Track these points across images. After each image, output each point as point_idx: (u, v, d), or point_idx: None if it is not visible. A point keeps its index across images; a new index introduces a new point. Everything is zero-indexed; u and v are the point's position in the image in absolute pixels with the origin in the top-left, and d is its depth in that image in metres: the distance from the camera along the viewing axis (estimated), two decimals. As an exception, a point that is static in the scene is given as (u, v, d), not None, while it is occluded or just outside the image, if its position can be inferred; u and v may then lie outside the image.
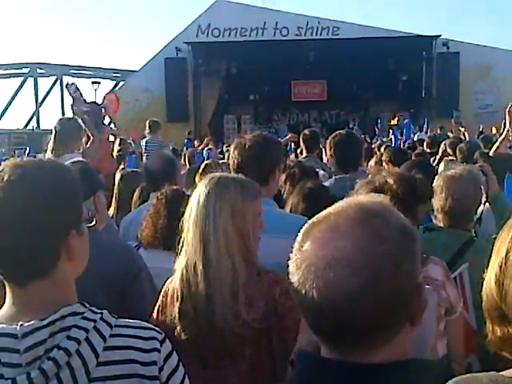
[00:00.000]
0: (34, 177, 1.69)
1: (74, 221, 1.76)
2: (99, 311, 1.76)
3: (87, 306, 1.75)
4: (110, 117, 9.02)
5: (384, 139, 15.62)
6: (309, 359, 1.40)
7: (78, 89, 6.38)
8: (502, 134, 6.43)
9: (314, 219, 1.37)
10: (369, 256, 1.25)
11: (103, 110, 7.75)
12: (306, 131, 7.99)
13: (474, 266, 3.14)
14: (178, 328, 2.49)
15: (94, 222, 1.87)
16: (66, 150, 5.49)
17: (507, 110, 6.23)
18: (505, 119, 6.29)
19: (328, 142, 5.00)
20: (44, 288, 1.70)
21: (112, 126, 10.17)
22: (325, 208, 1.40)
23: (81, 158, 4.86)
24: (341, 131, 5.13)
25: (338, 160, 4.75)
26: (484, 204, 4.00)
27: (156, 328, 1.88)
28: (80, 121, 6.20)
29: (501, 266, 1.41)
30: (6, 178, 1.66)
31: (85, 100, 6.40)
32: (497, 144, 6.09)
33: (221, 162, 8.00)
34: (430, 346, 2.61)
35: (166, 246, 3.44)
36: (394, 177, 2.76)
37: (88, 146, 5.51)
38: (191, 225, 2.49)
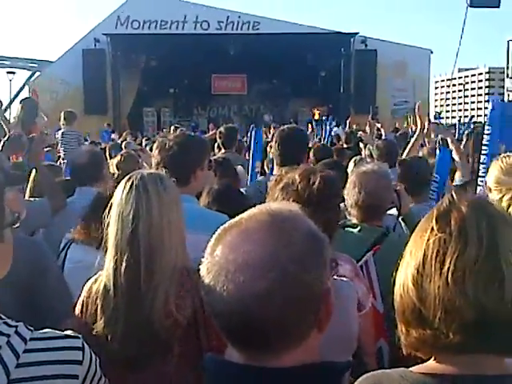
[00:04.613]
0: None
1: None
2: (14, 324, 1.67)
3: (3, 317, 1.67)
4: (42, 110, 8.88)
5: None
6: (216, 364, 1.41)
7: None
8: (413, 134, 6.55)
9: (226, 225, 1.39)
10: (276, 259, 1.28)
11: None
12: (222, 129, 8.00)
13: (383, 255, 3.25)
14: (106, 330, 2.44)
15: (18, 224, 1.77)
16: None
17: (416, 110, 6.39)
18: (415, 119, 6.44)
19: (274, 135, 5.02)
20: None
21: (45, 118, 9.98)
22: (237, 208, 1.43)
23: None
24: (288, 126, 5.13)
25: (281, 155, 4.76)
26: (397, 218, 4.12)
27: (74, 335, 1.79)
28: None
29: (418, 269, 1.46)
30: None
31: None
32: (409, 146, 6.19)
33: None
34: (355, 336, 2.66)
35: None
36: (301, 174, 2.75)
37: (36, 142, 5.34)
38: (119, 222, 2.46)
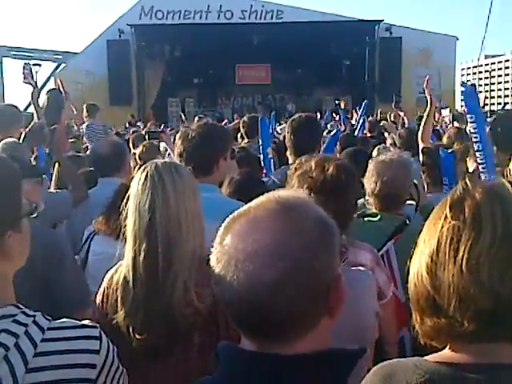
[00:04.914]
0: None
1: (9, 221, 1.68)
2: (32, 314, 1.69)
3: (21, 307, 1.69)
4: (71, 102, 8.93)
5: (329, 125, 15.65)
6: (229, 352, 1.42)
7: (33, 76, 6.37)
8: (424, 114, 6.33)
9: (235, 214, 1.40)
10: (286, 248, 1.28)
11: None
12: (245, 118, 8.01)
13: (403, 245, 3.23)
14: (126, 320, 2.45)
15: (36, 214, 1.79)
16: (5, 136, 5.40)
17: (424, 85, 6.26)
18: (425, 96, 6.30)
19: (287, 125, 4.99)
20: None
21: (74, 110, 10.04)
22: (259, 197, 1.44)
23: (12, 139, 4.79)
24: (300, 114, 5.11)
25: (293, 144, 4.73)
26: (415, 210, 4.09)
27: (91, 324, 1.81)
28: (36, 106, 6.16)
29: (432, 257, 1.45)
30: None
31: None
32: (422, 128, 6.02)
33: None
34: (370, 327, 2.64)
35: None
36: (316, 162, 2.74)
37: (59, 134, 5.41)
38: (136, 213, 2.47)
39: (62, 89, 7.97)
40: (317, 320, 1.35)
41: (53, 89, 10.56)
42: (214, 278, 1.35)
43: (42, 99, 7.42)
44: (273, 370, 1.32)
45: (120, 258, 2.59)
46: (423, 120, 6.13)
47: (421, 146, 5.63)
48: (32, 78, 6.37)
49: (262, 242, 1.28)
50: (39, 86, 9.14)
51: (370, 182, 3.72)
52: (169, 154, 6.36)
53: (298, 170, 2.73)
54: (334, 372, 1.33)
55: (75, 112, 9.90)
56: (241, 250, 1.30)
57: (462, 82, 6.17)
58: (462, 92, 5.10)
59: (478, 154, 4.86)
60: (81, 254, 3.86)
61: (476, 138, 4.88)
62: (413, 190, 3.98)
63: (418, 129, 6.23)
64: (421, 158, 5.30)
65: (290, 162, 4.74)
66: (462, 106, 5.99)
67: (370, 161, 3.89)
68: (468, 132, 5.36)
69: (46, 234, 3.11)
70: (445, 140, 7.33)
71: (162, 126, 14.62)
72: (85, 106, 11.23)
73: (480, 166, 4.85)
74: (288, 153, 4.85)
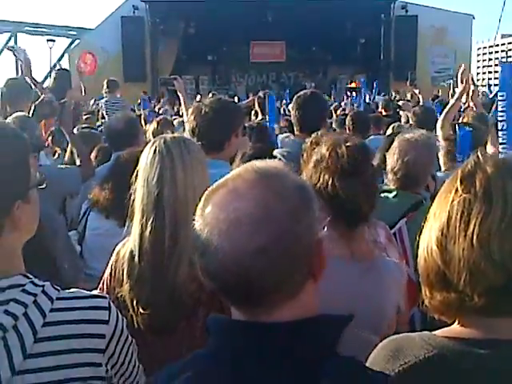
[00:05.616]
0: None
1: (18, 191, 1.69)
2: (41, 284, 1.71)
3: (30, 277, 1.70)
4: (82, 82, 8.95)
5: (342, 103, 15.62)
6: (217, 323, 1.42)
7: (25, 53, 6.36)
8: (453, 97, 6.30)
9: (214, 186, 1.39)
10: (269, 214, 1.28)
11: (78, 73, 7.69)
12: (261, 93, 8.01)
13: (417, 224, 3.22)
14: (131, 294, 2.46)
15: (44, 185, 1.79)
16: (15, 109, 5.40)
17: (460, 73, 6.18)
18: (457, 82, 6.22)
19: (292, 102, 4.97)
20: None
21: (83, 91, 10.08)
22: None
23: (22, 113, 4.80)
24: (306, 91, 5.07)
25: (299, 121, 4.72)
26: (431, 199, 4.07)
27: (100, 295, 1.83)
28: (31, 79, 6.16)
29: (442, 231, 1.45)
30: None
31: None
32: (449, 106, 5.95)
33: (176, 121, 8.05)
34: (386, 317, 2.62)
35: (115, 212, 3.48)
36: (328, 148, 2.69)
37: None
38: (145, 187, 2.46)
39: (81, 67, 7.99)
40: (301, 285, 1.35)
41: (61, 69, 10.57)
42: (198, 251, 1.35)
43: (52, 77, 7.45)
44: (260, 338, 1.32)
45: (127, 234, 2.59)
46: (451, 101, 6.04)
47: (440, 128, 5.54)
48: (23, 55, 6.39)
49: (244, 209, 1.28)
50: (53, 61, 9.18)
51: (392, 159, 3.69)
52: (181, 116, 6.33)
53: (310, 155, 2.69)
54: (321, 338, 1.33)
55: (83, 94, 9.91)
56: (222, 219, 1.29)
57: (501, 60, 6.12)
58: (501, 68, 5.07)
59: (500, 133, 4.83)
60: (79, 228, 3.90)
61: (502, 116, 4.84)
62: (430, 181, 3.95)
63: (436, 107, 6.13)
64: (440, 136, 5.25)
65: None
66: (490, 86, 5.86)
67: (396, 138, 3.84)
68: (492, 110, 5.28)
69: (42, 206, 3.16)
70: (469, 118, 7.22)
71: (179, 107, 14.58)
72: (105, 82, 11.24)
73: (501, 147, 4.82)
74: (295, 129, 4.84)
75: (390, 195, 3.67)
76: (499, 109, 4.92)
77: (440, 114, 6.27)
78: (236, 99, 13.15)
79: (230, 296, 1.38)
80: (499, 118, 4.88)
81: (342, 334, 1.34)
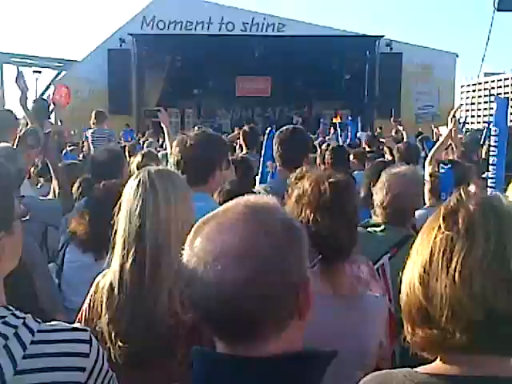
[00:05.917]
0: None
1: (2, 223, 1.67)
2: (22, 316, 1.69)
3: (11, 309, 1.69)
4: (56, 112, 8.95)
5: (327, 138, 15.68)
6: (203, 356, 1.42)
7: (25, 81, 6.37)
8: (440, 139, 6.41)
9: (204, 218, 1.41)
10: (254, 247, 1.29)
11: (51, 105, 7.67)
12: (246, 128, 8.03)
13: (398, 257, 3.22)
14: (109, 326, 2.43)
15: (27, 217, 1.80)
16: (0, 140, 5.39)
17: (450, 116, 6.25)
18: (447, 124, 6.31)
19: (275, 137, 4.99)
20: None
21: (59, 122, 10.09)
22: None
23: (6, 144, 4.79)
24: (288, 126, 5.09)
25: (281, 156, 4.73)
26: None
27: (81, 328, 1.82)
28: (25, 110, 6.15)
29: (425, 268, 1.45)
30: None
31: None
32: (438, 144, 6.02)
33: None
34: (370, 352, 2.59)
35: (92, 245, 3.47)
36: (310, 183, 2.68)
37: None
38: (127, 219, 2.44)
39: (55, 99, 7.99)
40: (286, 322, 1.35)
41: (39, 99, 10.59)
42: (184, 281, 1.36)
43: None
44: (245, 373, 1.31)
45: (108, 267, 2.56)
46: (440, 139, 6.17)
47: (428, 165, 5.58)
48: (23, 82, 6.38)
49: (230, 242, 1.30)
50: (39, 93, 9.19)
51: (379, 193, 3.71)
52: (165, 148, 6.31)
53: (293, 190, 2.69)
54: (304, 374, 1.33)
55: (59, 124, 9.94)
56: (209, 251, 1.32)
57: (494, 94, 6.27)
58: (497, 103, 5.15)
59: (491, 167, 4.90)
60: (57, 260, 3.87)
61: (494, 152, 4.91)
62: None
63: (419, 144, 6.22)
64: (426, 172, 5.29)
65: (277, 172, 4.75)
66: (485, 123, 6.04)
67: (383, 172, 3.86)
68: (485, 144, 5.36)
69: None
70: (455, 156, 7.29)
71: (162, 140, 14.60)
72: (93, 113, 11.26)
73: (489, 181, 4.87)
74: (277, 164, 4.85)
75: (378, 229, 3.68)
76: (492, 143, 4.99)
77: (429, 150, 6.35)
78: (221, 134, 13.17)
79: (212, 327, 1.38)
80: (491, 153, 4.94)
81: (325, 370, 1.34)
